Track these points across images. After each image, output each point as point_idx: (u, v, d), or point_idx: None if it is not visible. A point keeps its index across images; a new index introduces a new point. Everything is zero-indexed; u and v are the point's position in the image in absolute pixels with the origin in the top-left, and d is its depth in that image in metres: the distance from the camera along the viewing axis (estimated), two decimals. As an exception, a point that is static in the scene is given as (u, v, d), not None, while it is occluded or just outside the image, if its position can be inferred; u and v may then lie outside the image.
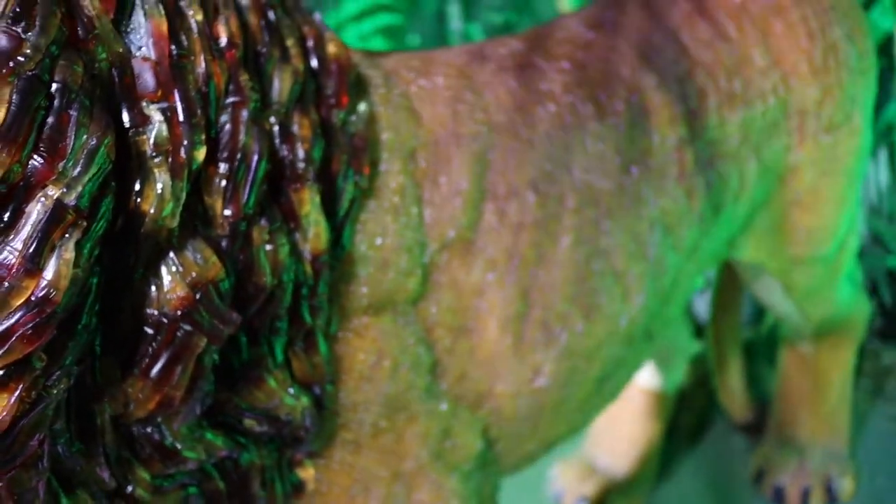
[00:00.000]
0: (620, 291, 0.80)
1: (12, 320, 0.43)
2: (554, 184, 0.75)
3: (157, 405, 0.52)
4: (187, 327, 0.51)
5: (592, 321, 0.78)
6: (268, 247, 0.55)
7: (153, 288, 0.50)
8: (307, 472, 0.66)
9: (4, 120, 0.41)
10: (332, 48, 0.62)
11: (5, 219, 0.42)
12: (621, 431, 1.39)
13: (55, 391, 0.47)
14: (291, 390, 0.60)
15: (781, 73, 0.91)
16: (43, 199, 0.43)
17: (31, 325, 0.43)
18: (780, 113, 0.92)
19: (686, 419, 1.51)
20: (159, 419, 0.53)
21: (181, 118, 0.49)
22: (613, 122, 0.80)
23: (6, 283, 0.42)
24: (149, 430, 0.54)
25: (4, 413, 0.44)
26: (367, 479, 0.68)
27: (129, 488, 0.56)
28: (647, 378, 1.37)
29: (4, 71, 0.41)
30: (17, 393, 0.44)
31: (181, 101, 0.49)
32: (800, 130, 0.94)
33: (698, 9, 0.90)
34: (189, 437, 0.56)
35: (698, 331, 1.46)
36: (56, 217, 0.43)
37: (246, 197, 0.52)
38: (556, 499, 1.40)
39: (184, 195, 0.49)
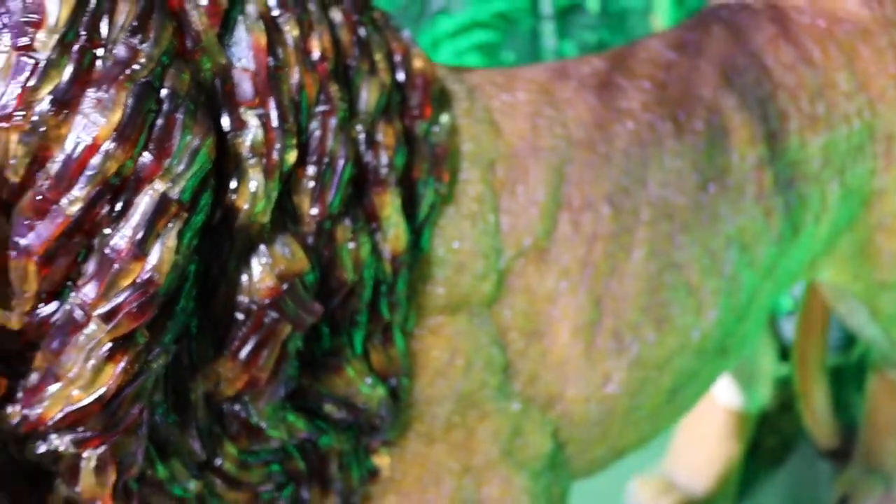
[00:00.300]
0: (693, 305, 0.82)
1: (120, 298, 0.48)
2: (629, 197, 0.78)
3: (245, 385, 0.57)
4: (274, 315, 0.55)
5: (664, 332, 0.80)
6: (350, 245, 0.59)
7: (245, 277, 0.55)
8: (382, 460, 0.70)
9: (120, 121, 0.47)
10: (417, 63, 0.66)
11: (117, 209, 0.48)
12: (702, 449, 1.40)
13: (155, 365, 0.52)
14: (368, 380, 0.64)
15: (868, 97, 0.92)
16: (150, 192, 0.48)
17: (136, 303, 0.48)
18: (866, 137, 0.92)
19: (770, 442, 1.50)
20: (246, 398, 0.58)
21: (275, 124, 0.54)
22: (692, 140, 0.82)
23: (116, 266, 0.48)
24: (237, 407, 0.59)
25: (111, 381, 0.50)
26: (439, 471, 0.72)
27: (218, 461, 0.61)
28: (729, 397, 1.37)
29: (121, 78, 0.47)
30: (121, 364, 0.50)
31: (276, 108, 0.54)
32: (886, 155, 0.94)
33: (783, 33, 0.91)
34: (273, 417, 0.61)
35: (784, 353, 1.45)
36: (161, 209, 0.48)
37: (331, 198, 0.57)
38: (635, 514, 1.41)
39: (275, 194, 0.54)
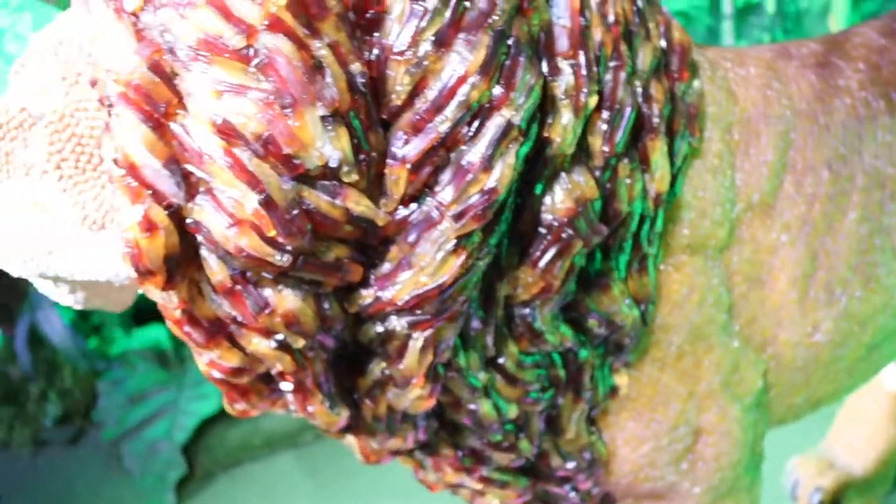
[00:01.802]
0: None
1: (469, 202, 0.60)
2: (846, 165, 0.87)
3: (540, 290, 0.68)
4: (570, 231, 0.67)
5: (870, 290, 0.89)
6: (627, 181, 0.70)
7: (548, 198, 0.66)
8: (622, 379, 0.81)
9: (484, 59, 0.59)
10: (677, 34, 0.76)
11: (473, 130, 0.60)
12: (864, 431, 1.45)
13: (481, 263, 0.64)
14: (627, 301, 0.75)
15: None
16: (499, 118, 0.60)
17: (481, 207, 0.60)
18: None
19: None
20: (536, 304, 0.70)
21: (583, 72, 0.65)
22: (902, 117, 0.90)
23: (469, 176, 0.60)
24: (525, 311, 0.71)
25: (452, 271, 0.62)
26: (668, 394, 0.82)
27: (501, 360, 0.73)
28: (895, 381, 1.42)
29: (485, 25, 0.59)
30: (461, 258, 0.62)
31: (584, 59, 0.65)
32: None
33: None
34: (551, 324, 0.72)
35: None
36: (506, 132, 0.60)
37: (618, 139, 0.68)
38: (792, 488, 1.47)
39: (579, 130, 0.65)
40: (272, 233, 0.58)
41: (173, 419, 1.88)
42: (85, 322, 2.01)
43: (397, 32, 0.59)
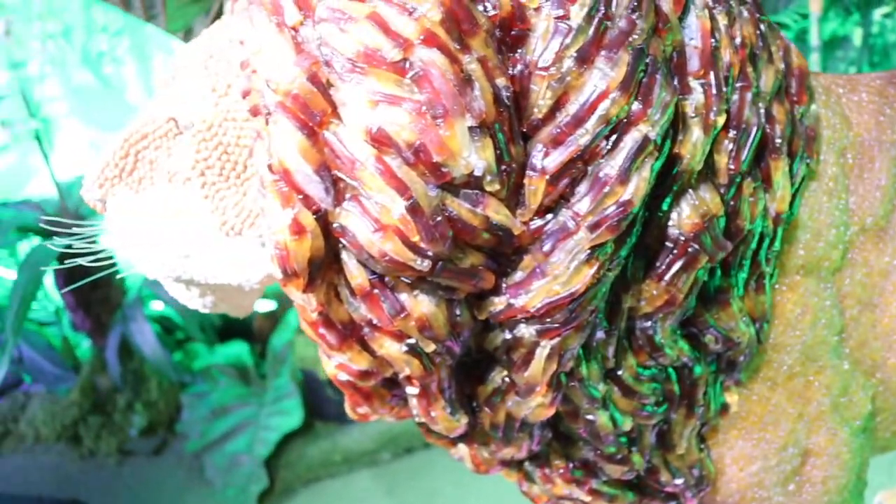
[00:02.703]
0: None
1: (605, 213, 0.62)
2: None
3: (664, 303, 0.70)
4: (695, 246, 0.68)
5: None
6: (750, 199, 0.72)
7: (675, 213, 0.68)
8: (732, 397, 0.82)
9: (624, 76, 0.61)
10: (795, 58, 0.78)
11: (610, 143, 0.62)
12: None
13: (611, 273, 0.66)
14: (744, 319, 0.76)
15: None
16: (636, 133, 0.62)
17: (615, 219, 0.62)
18: None
19: None
20: (658, 317, 0.71)
21: (713, 91, 0.67)
22: None
23: (606, 188, 0.62)
24: (647, 324, 0.72)
25: (584, 280, 0.64)
26: (778, 414, 0.83)
27: (620, 371, 0.75)
28: None
29: (625, 43, 0.61)
30: (594, 268, 0.64)
31: (714, 79, 0.67)
32: None
33: None
34: (670, 338, 0.73)
35: None
36: (642, 146, 0.62)
37: (744, 157, 0.70)
38: (880, 524, 1.45)
39: (707, 148, 0.67)
40: (416, 238, 0.60)
41: (255, 434, 1.92)
42: (170, 336, 2.07)
43: (541, 49, 0.61)
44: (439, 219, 0.60)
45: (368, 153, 0.59)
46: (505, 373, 0.73)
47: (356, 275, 0.65)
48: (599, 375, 0.74)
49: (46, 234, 1.93)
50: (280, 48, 0.61)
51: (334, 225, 0.62)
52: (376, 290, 0.65)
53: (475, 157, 0.59)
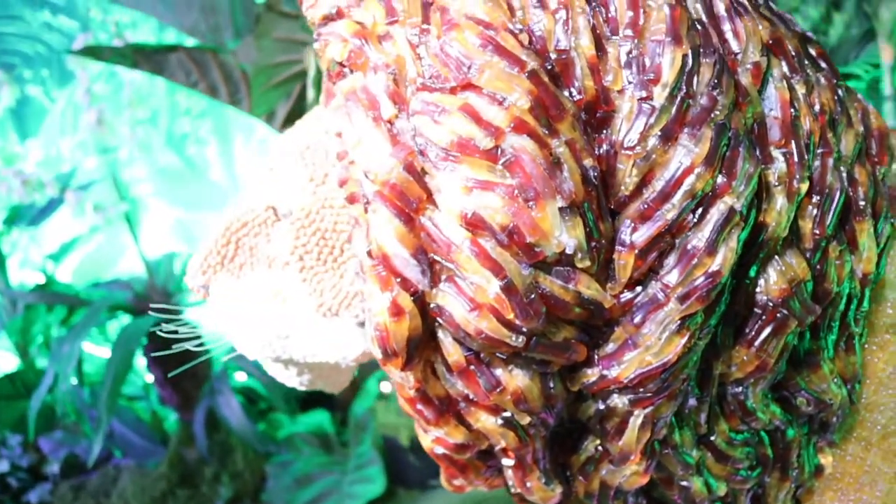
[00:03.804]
0: None
1: (694, 284, 0.64)
2: None
3: (754, 368, 0.71)
4: (784, 312, 0.69)
5: None
6: (836, 262, 0.73)
7: (762, 280, 0.69)
8: (826, 459, 0.82)
9: (708, 151, 0.63)
10: (874, 120, 0.79)
11: (696, 216, 0.64)
12: None
13: (702, 343, 0.67)
14: (836, 380, 0.76)
15: None
16: (721, 205, 0.64)
17: (704, 290, 0.64)
18: None
19: None
20: (749, 382, 0.72)
21: (795, 160, 0.68)
22: None
23: (694, 260, 0.64)
24: (738, 389, 0.73)
25: (675, 350, 0.65)
26: (874, 474, 0.82)
27: (712, 437, 0.75)
28: None
29: (708, 119, 0.63)
30: (685, 338, 0.65)
31: (795, 148, 0.69)
32: None
33: None
34: (762, 402, 0.74)
35: None
36: (728, 218, 0.64)
37: (829, 222, 0.71)
38: None
39: (791, 215, 0.69)
40: (510, 315, 0.63)
41: (338, 502, 1.94)
42: (253, 406, 2.12)
43: (626, 129, 0.64)
44: (533, 296, 0.63)
45: (463, 236, 0.62)
46: (598, 441, 0.75)
47: (452, 352, 0.67)
48: (692, 442, 0.74)
49: (136, 312, 2.01)
50: (377, 140, 0.65)
51: (431, 305, 0.65)
52: (472, 367, 0.67)
53: (566, 236, 0.62)
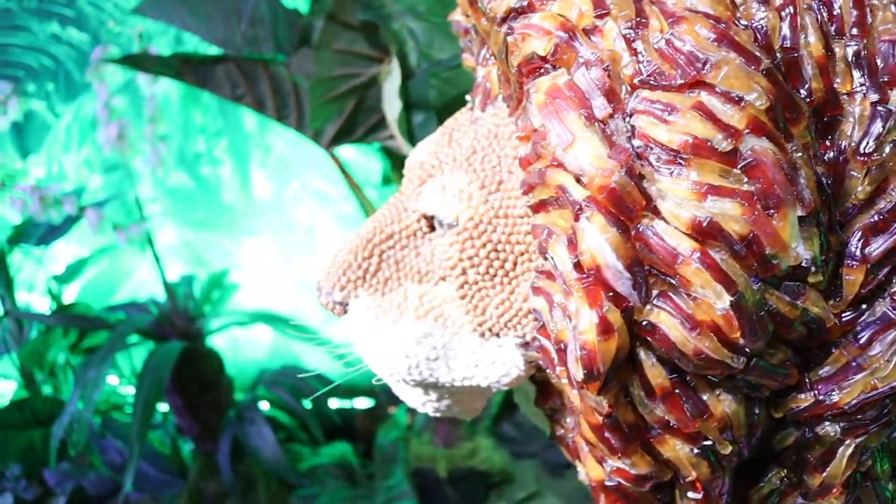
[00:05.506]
0: None
1: None
2: None
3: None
4: None
5: None
6: None
7: None
8: None
9: None
10: None
11: None
12: None
13: None
14: None
15: None
16: None
17: None
18: None
19: None
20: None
21: None
22: None
23: None
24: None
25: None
26: None
27: (907, 470, 0.70)
28: None
29: None
30: None
31: None
32: None
33: None
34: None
35: None
36: None
37: None
38: None
39: None
40: (736, 335, 0.57)
41: (366, 536, 1.86)
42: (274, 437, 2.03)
43: (859, 134, 0.59)
44: (762, 314, 0.58)
45: (692, 247, 0.57)
46: (784, 473, 0.69)
47: (656, 374, 0.62)
48: (890, 474, 0.70)
49: (158, 337, 1.92)
50: (591, 142, 0.59)
51: (643, 323, 0.60)
52: (678, 390, 0.62)
53: (802, 248, 0.57)
